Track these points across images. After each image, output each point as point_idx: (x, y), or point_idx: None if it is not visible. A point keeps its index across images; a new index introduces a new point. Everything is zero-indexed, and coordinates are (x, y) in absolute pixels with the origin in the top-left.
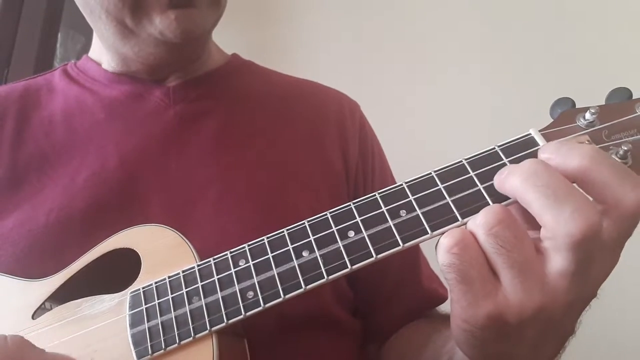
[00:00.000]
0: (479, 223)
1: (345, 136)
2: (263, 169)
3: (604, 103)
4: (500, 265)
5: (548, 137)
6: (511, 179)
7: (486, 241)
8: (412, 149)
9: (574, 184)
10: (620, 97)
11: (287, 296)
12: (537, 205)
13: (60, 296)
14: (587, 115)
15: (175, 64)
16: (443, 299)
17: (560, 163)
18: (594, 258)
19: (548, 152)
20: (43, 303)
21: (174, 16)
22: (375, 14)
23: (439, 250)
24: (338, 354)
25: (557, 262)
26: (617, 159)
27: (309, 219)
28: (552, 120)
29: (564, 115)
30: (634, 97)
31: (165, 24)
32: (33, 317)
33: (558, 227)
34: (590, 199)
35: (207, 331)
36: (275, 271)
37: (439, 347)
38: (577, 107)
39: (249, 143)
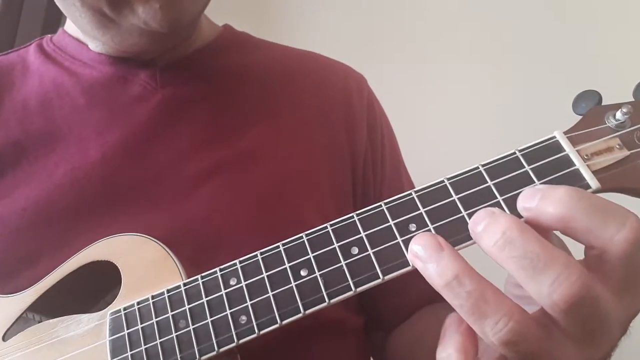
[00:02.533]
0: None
1: (353, 118)
2: (262, 161)
3: (632, 99)
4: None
5: (574, 141)
6: (486, 241)
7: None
8: (423, 152)
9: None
10: None
11: (285, 322)
12: (518, 277)
13: (34, 315)
14: (618, 114)
15: (162, 50)
16: None
17: (534, 217)
18: (602, 311)
19: (523, 201)
20: (14, 322)
21: (159, 5)
22: (379, 13)
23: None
24: (340, 355)
25: (561, 332)
26: None
27: (307, 232)
28: (575, 116)
29: (591, 114)
30: None
31: (149, 14)
32: (4, 339)
33: (542, 299)
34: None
35: None
36: (270, 293)
37: None
38: (603, 103)
39: (246, 130)
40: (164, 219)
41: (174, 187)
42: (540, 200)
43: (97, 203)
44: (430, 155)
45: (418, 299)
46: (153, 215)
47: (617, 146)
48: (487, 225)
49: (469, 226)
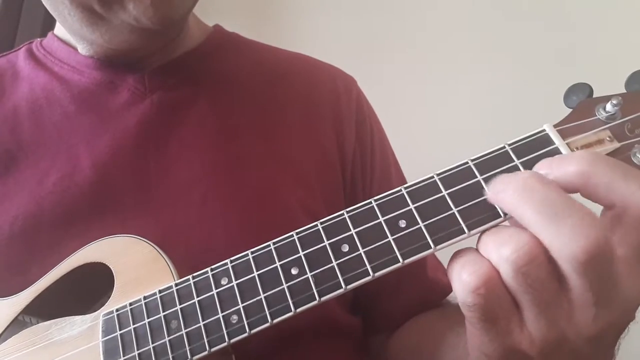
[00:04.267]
0: (507, 258)
1: (341, 119)
2: (252, 166)
3: (624, 91)
4: (525, 303)
5: (564, 134)
6: (504, 194)
7: (513, 279)
8: (422, 153)
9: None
10: None
11: (275, 321)
12: (534, 224)
13: (30, 318)
14: (608, 106)
15: (152, 48)
16: (449, 289)
17: (559, 175)
18: (616, 276)
19: (544, 167)
20: (9, 325)
21: (150, 1)
22: (376, 14)
23: (461, 288)
24: (335, 356)
25: (575, 291)
26: None
27: (297, 231)
28: (565, 109)
29: (582, 107)
30: None
31: (140, 10)
32: None
33: (561, 249)
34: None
35: None
36: (261, 292)
37: (462, 356)
38: (595, 95)
39: (236, 135)
40: (155, 224)
41: (164, 192)
42: (559, 161)
43: (88, 210)
44: (427, 156)
45: (411, 302)
46: (143, 221)
47: (608, 138)
48: (506, 181)
49: (488, 194)
